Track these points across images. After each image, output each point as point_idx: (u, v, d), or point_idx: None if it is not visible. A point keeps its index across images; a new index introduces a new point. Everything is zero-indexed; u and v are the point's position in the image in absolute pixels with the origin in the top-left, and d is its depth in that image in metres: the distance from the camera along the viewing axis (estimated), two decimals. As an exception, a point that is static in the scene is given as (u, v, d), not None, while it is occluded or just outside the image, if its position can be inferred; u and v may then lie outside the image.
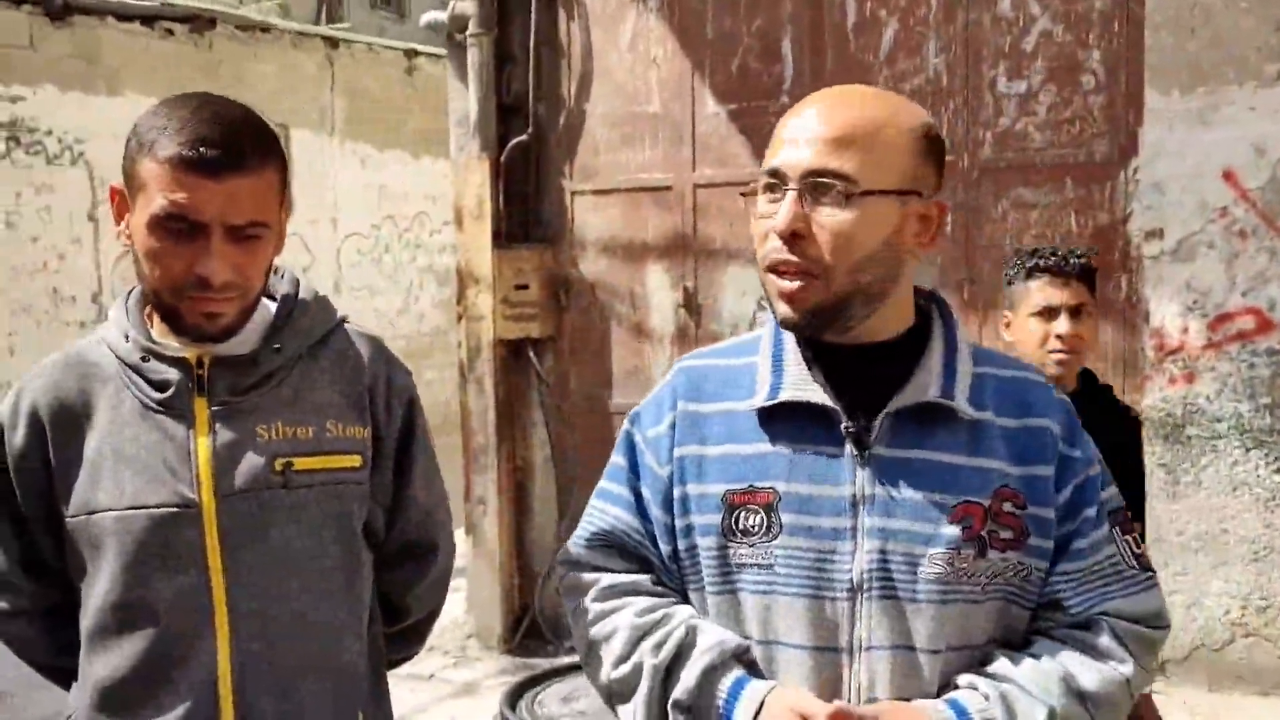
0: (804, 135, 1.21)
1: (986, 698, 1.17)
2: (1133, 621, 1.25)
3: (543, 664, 4.81)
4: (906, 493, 1.21)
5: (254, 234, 1.34)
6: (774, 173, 1.21)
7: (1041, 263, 2.27)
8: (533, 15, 4.79)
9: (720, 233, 4.61)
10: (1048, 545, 1.23)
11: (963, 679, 1.20)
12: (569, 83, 4.85)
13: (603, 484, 1.38)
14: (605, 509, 1.36)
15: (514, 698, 2.19)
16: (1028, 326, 2.28)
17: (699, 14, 4.59)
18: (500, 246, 4.83)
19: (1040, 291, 2.25)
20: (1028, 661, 1.20)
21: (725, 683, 1.21)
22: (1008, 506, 1.22)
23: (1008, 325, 2.35)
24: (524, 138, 4.83)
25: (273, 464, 1.39)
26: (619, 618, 1.29)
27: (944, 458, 1.22)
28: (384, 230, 10.11)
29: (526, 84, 4.85)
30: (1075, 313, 2.23)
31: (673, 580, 1.32)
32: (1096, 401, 2.32)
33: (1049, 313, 2.24)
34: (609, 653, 1.28)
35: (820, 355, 1.26)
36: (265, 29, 8.69)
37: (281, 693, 1.40)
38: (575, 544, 1.38)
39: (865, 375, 1.24)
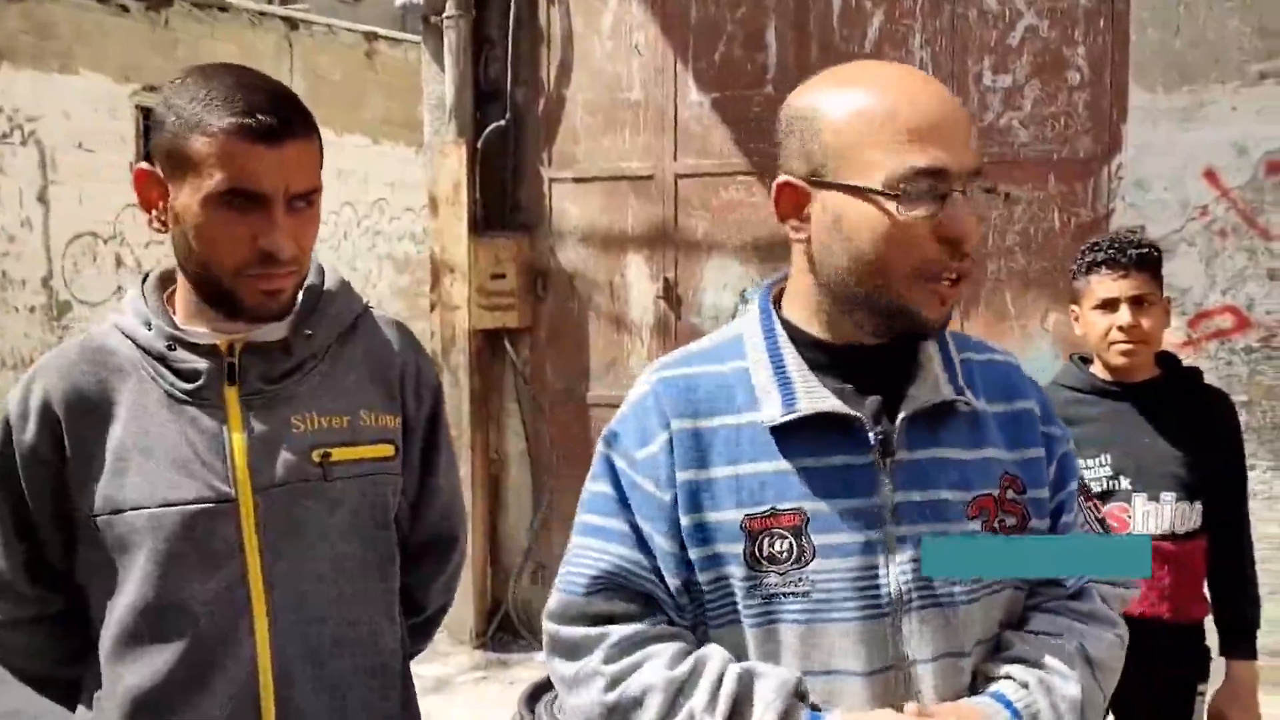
0: (953, 126, 1.12)
1: (1026, 686, 1.15)
2: (1110, 584, 1.27)
3: (516, 659, 4.77)
4: (929, 495, 1.17)
5: (311, 201, 1.29)
6: (938, 173, 1.09)
7: (1099, 256, 2.26)
8: (512, -2, 4.71)
9: (702, 224, 4.57)
10: (1044, 525, 1.22)
11: (998, 669, 1.17)
12: (548, 68, 4.77)
13: (589, 519, 1.21)
14: (603, 548, 1.19)
15: (532, 700, 2.13)
16: (1092, 320, 2.27)
17: (682, 0, 4.53)
18: (476, 234, 4.73)
19: (1100, 285, 2.24)
20: (1048, 641, 1.18)
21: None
22: (1010, 494, 1.19)
23: (1076, 319, 2.34)
24: (501, 123, 4.74)
25: (310, 455, 1.32)
26: (646, 674, 1.13)
27: (953, 454, 1.19)
28: (342, 216, 9.94)
29: (504, 68, 4.76)
30: (1137, 303, 2.22)
31: (684, 617, 1.19)
32: (1183, 387, 2.33)
33: (1110, 305, 2.23)
34: (645, 715, 1.13)
35: (822, 357, 1.19)
36: (223, 8, 8.48)
37: (323, 691, 1.34)
38: (570, 592, 1.20)
39: (864, 376, 1.19)
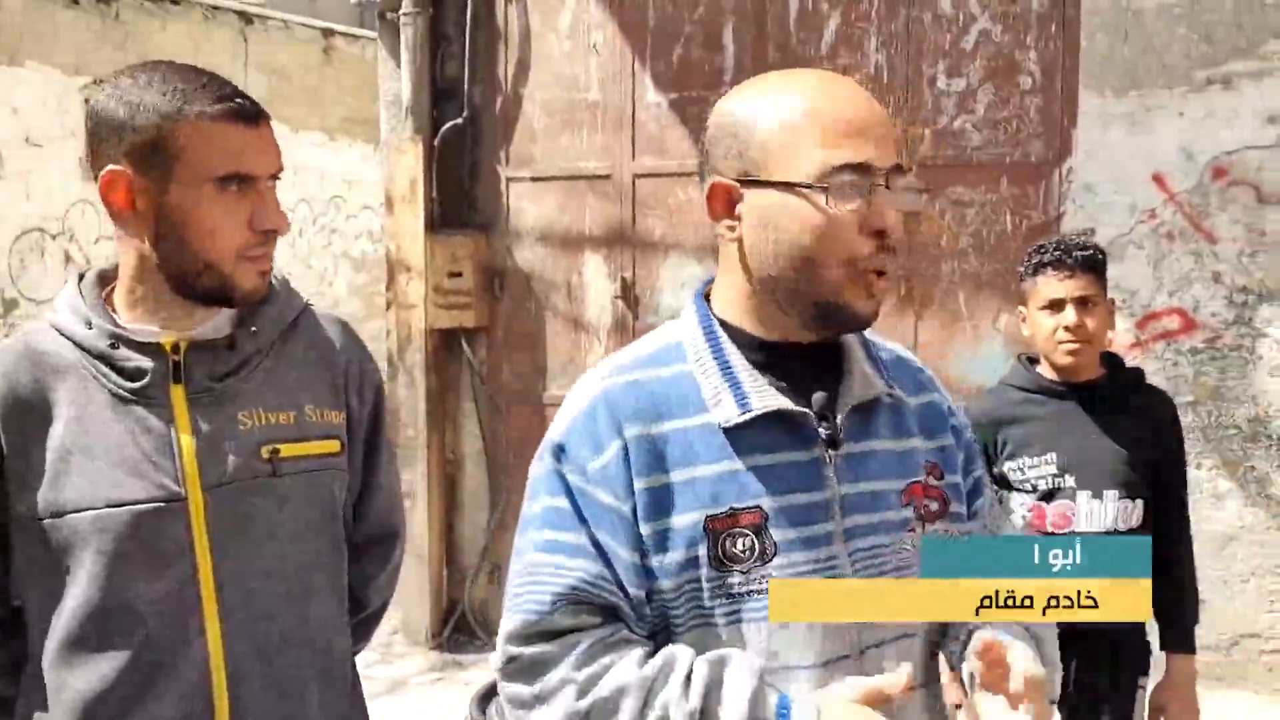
0: (876, 126, 1.17)
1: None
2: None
3: (471, 660, 4.75)
4: (868, 486, 1.21)
5: (278, 180, 1.32)
6: (862, 168, 1.15)
7: (1045, 257, 2.30)
8: (469, -5, 4.69)
9: (659, 224, 4.57)
10: (963, 509, 1.29)
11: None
12: (506, 66, 4.75)
13: (542, 534, 1.18)
14: (563, 564, 1.16)
15: (484, 701, 2.11)
16: (1039, 321, 2.31)
17: (640, 1, 4.54)
18: (433, 232, 4.71)
19: (1046, 285, 2.29)
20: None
21: (771, 702, 1.12)
22: (931, 480, 1.25)
23: (1024, 320, 2.39)
24: (458, 121, 4.72)
25: (259, 451, 1.32)
26: (618, 676, 1.12)
27: (885, 445, 1.24)
28: (298, 214, 9.81)
29: (461, 66, 4.74)
30: (1082, 304, 2.26)
31: (643, 626, 1.18)
32: (1126, 386, 2.37)
33: (1056, 306, 2.28)
34: (624, 714, 1.12)
35: (759, 355, 1.22)
36: (175, 0, 8.34)
37: (272, 688, 1.33)
38: (532, 612, 1.17)
39: (799, 373, 1.22)
